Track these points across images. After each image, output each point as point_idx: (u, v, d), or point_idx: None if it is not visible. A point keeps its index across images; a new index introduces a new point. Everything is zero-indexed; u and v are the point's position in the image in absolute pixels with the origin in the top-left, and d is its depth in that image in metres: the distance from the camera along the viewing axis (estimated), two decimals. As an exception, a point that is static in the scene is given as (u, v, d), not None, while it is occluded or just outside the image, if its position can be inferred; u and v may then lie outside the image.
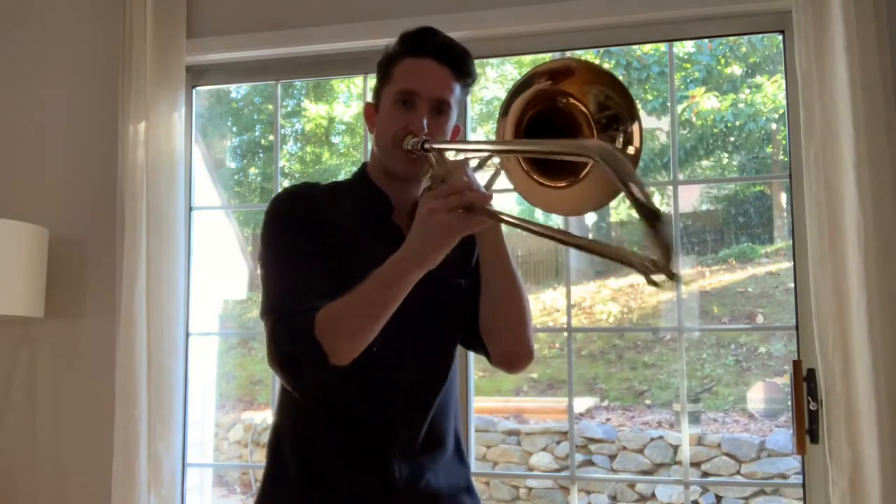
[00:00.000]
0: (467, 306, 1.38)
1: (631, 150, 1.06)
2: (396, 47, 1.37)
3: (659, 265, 0.79)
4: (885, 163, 1.93)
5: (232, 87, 8.60)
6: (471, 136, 2.44)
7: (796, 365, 2.06)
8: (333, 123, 10.04)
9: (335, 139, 10.37)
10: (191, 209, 2.55)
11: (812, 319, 1.99)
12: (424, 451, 1.34)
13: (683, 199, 9.07)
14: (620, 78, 1.08)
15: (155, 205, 2.37)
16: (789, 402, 2.07)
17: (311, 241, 1.28)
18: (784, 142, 7.67)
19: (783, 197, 8.67)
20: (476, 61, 2.41)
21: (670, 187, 2.62)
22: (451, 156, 1.31)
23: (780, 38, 2.22)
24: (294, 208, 1.33)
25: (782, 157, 8.16)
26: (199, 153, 3.24)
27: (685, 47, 8.21)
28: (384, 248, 1.14)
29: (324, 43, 2.42)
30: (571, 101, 1.07)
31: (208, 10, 2.50)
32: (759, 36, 6.61)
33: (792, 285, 2.15)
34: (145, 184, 2.37)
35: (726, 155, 9.10)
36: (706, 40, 7.22)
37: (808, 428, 2.03)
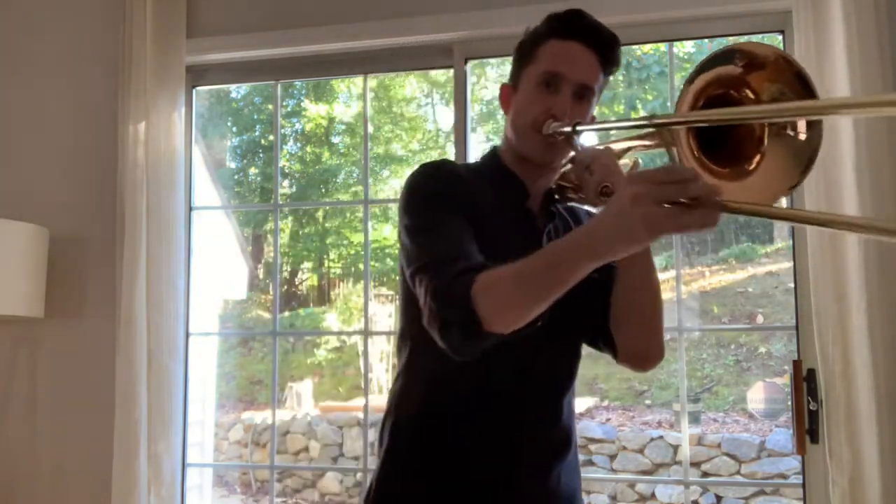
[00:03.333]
0: (598, 301, 1.30)
1: (802, 136, 0.92)
2: (542, 28, 1.31)
3: None
4: (885, 163, 1.92)
5: (232, 87, 8.60)
6: (470, 136, 2.44)
7: (796, 365, 2.06)
8: (333, 123, 10.04)
9: (335, 139, 10.37)
10: (191, 209, 2.55)
11: (812, 319, 1.99)
12: (554, 449, 1.31)
13: (683, 199, 9.05)
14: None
15: (155, 205, 2.37)
16: (789, 402, 2.07)
17: (459, 209, 1.21)
18: (784, 142, 7.65)
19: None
20: (476, 61, 2.44)
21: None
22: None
23: (780, 38, 2.22)
24: (441, 180, 1.26)
25: (782, 157, 8.14)
26: (199, 153, 3.25)
27: (685, 47, 8.20)
28: (520, 233, 1.11)
29: (324, 43, 2.42)
30: (748, 93, 0.93)
31: (208, 10, 2.50)
32: (759, 36, 6.59)
33: (792, 285, 2.15)
34: (145, 184, 2.37)
35: (726, 155, 9.10)
36: (706, 40, 7.20)
37: (808, 428, 2.03)
